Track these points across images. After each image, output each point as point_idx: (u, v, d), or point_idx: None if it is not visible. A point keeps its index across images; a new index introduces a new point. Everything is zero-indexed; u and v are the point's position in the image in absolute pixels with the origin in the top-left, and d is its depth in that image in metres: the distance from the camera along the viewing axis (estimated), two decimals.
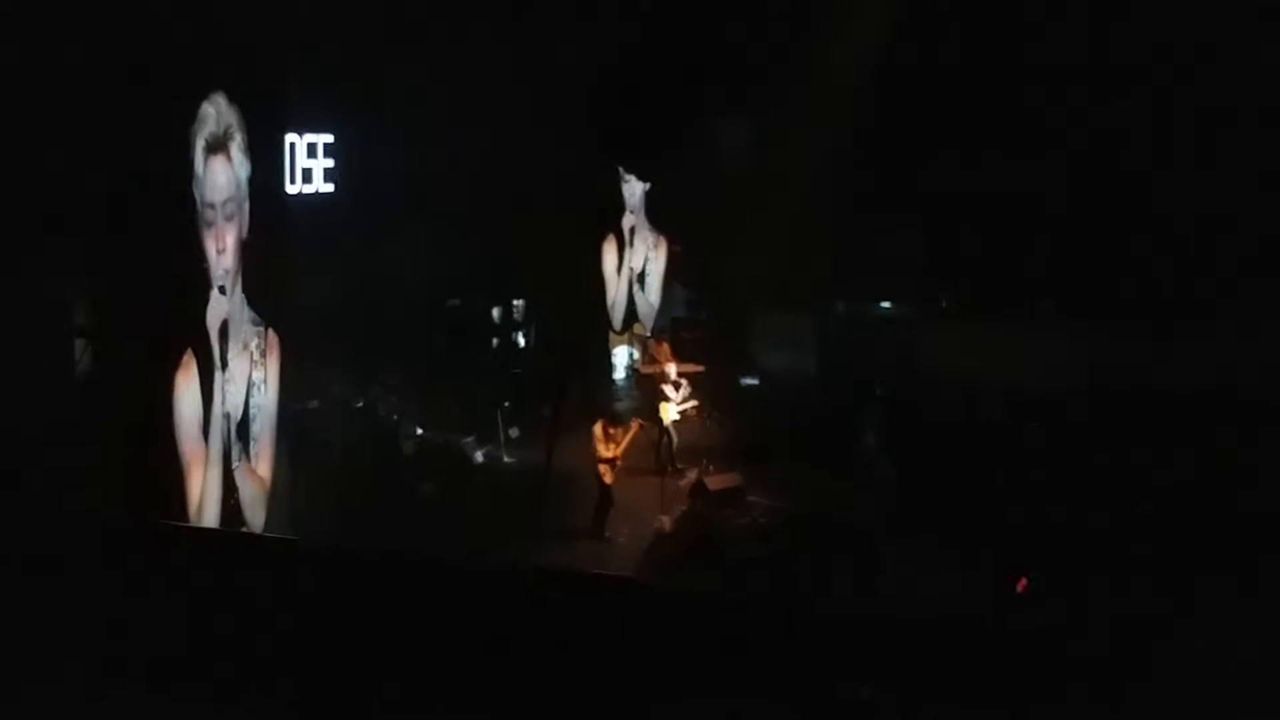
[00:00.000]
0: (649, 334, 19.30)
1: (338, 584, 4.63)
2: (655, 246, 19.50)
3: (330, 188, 14.52)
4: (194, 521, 9.28)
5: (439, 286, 17.22)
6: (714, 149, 18.87)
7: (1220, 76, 16.26)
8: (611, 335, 19.03)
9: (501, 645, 4.17)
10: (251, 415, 10.31)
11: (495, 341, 18.11)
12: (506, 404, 15.90)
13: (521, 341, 18.54)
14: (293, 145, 13.66)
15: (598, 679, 4.04)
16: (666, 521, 12.85)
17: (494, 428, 15.41)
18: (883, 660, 4.25)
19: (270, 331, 10.57)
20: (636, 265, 19.17)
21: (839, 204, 18.79)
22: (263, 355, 10.49)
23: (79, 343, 9.46)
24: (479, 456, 15.08)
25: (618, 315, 18.91)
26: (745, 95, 18.47)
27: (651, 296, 19.60)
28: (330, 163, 14.57)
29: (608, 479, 12.65)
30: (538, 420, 15.89)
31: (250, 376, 10.27)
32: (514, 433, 15.60)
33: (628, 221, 18.93)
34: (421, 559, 4.98)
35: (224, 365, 9.74)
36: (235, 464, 10.00)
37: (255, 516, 10.51)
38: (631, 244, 19.00)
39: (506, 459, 15.19)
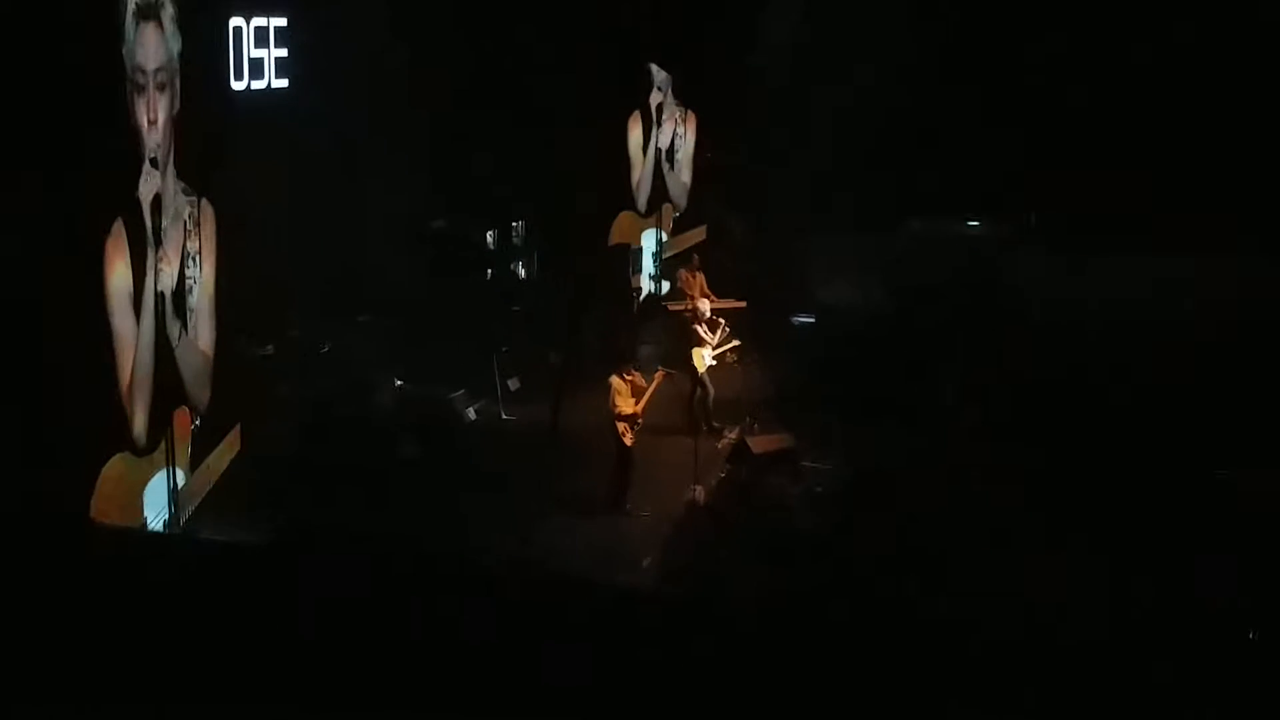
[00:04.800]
0: (679, 213, 20.14)
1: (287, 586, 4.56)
2: (684, 122, 20.30)
3: (284, 83, 14.42)
4: (127, 399, 10.08)
5: (422, 204, 17.13)
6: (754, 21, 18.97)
7: None
8: (636, 221, 19.38)
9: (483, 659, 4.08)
10: (188, 287, 11.23)
11: (490, 272, 17.99)
12: (505, 349, 15.81)
13: (522, 271, 18.43)
14: (238, 30, 13.54)
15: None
16: (700, 492, 12.76)
17: (490, 378, 15.35)
18: (972, 679, 4.11)
19: (204, 201, 11.48)
20: (664, 143, 19.84)
21: (911, 101, 18.60)
22: (196, 226, 11.38)
23: None
24: (471, 413, 15.02)
25: (643, 196, 19.50)
26: None
27: (683, 174, 20.47)
28: (284, 52, 14.43)
29: (628, 440, 12.55)
30: (543, 368, 15.84)
31: (184, 247, 11.16)
32: (514, 384, 15.53)
33: (655, 98, 19.52)
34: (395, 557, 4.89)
35: (157, 241, 10.47)
36: (176, 341, 10.93)
37: (199, 394, 11.51)
38: (658, 122, 19.64)
39: (505, 416, 15.15)
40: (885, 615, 5.69)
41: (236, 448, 12.47)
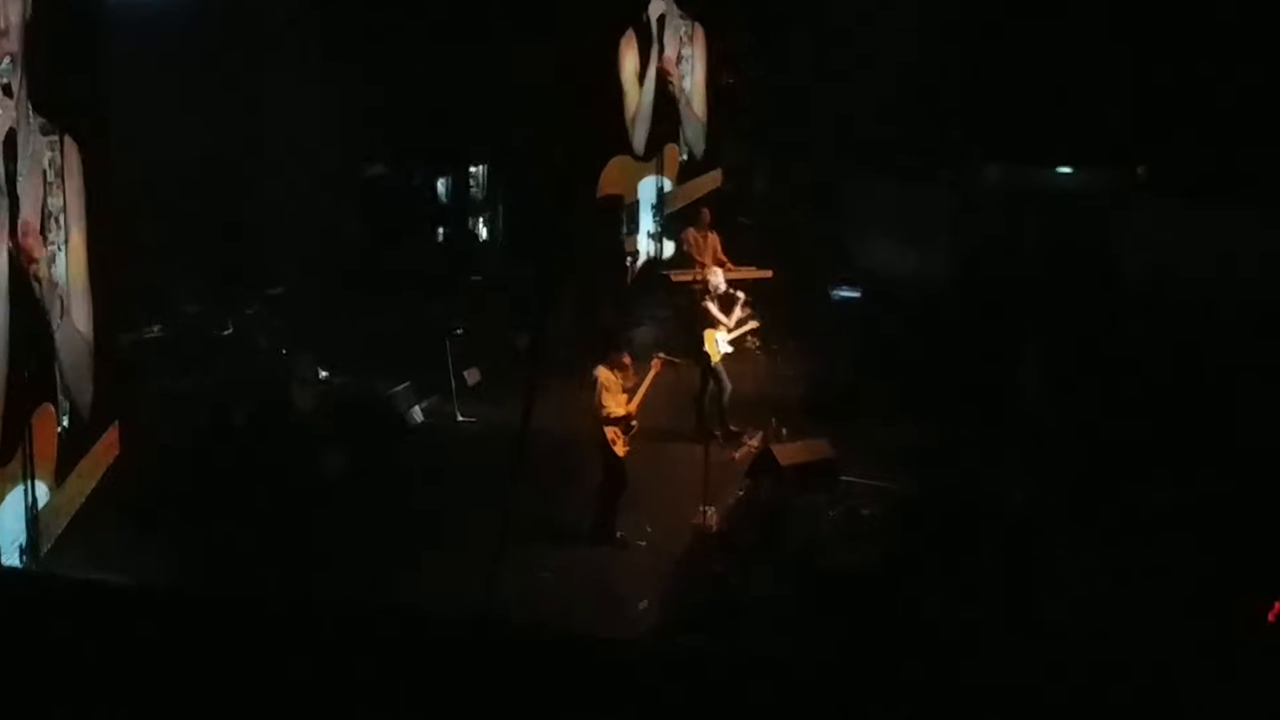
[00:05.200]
0: (686, 155, 20.08)
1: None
2: (692, 40, 20.35)
3: None
4: None
5: (354, 143, 17.12)
6: None
7: None
8: (632, 166, 19.38)
9: None
10: (51, 255, 11.17)
11: (442, 231, 17.98)
12: (459, 330, 15.87)
13: (484, 231, 18.43)
14: None
15: None
16: (713, 514, 12.78)
17: (441, 368, 15.40)
18: None
19: (69, 141, 11.37)
20: (669, 65, 19.89)
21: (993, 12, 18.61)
22: (59, 175, 11.28)
23: None
24: (417, 414, 15.08)
25: (640, 135, 19.50)
26: None
27: (696, 107, 20.53)
28: None
29: (619, 450, 12.54)
30: (509, 356, 15.88)
31: (45, 204, 11.03)
32: (472, 376, 15.60)
33: (654, 8, 19.58)
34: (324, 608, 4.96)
35: (11, 195, 10.39)
36: (56, 324, 11.08)
37: (81, 390, 11.64)
38: (660, 40, 19.66)
39: (461, 417, 15.23)
40: (952, 680, 5.66)
41: (115, 452, 12.50)
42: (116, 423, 12.56)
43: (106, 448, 12.41)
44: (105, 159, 12.10)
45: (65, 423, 11.58)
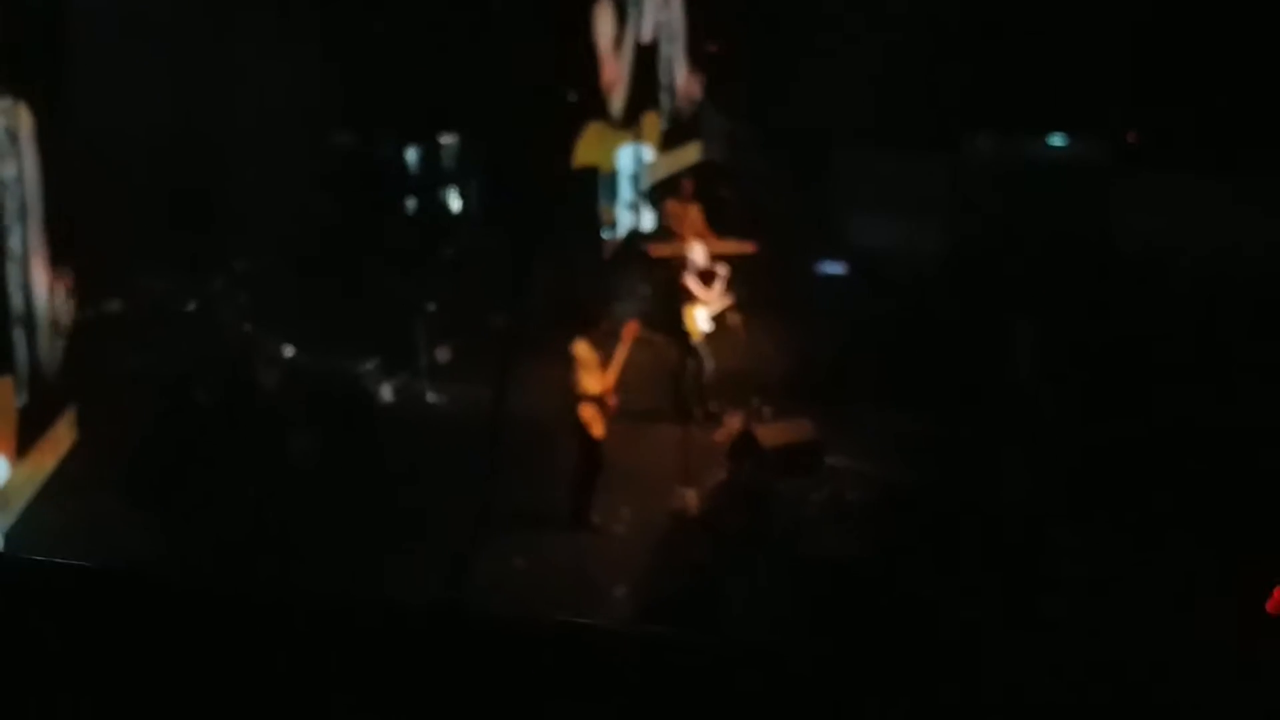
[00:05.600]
0: (667, 125, 20.27)
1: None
2: (668, 3, 20.51)
3: None
4: None
5: (320, 110, 17.01)
6: None
7: None
8: (608, 134, 19.33)
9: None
10: (7, 226, 11.31)
11: (413, 203, 17.92)
12: (431, 307, 15.81)
13: (455, 202, 18.37)
14: None
15: None
16: (692, 497, 12.81)
17: (412, 346, 15.40)
18: None
19: (22, 106, 11.51)
20: (647, 32, 19.93)
21: None
22: (14, 142, 11.34)
23: None
24: (387, 393, 15.09)
25: (618, 100, 19.48)
26: None
27: (677, 74, 20.59)
28: None
29: (596, 429, 12.52)
30: (482, 333, 15.83)
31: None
32: (443, 354, 15.57)
33: None
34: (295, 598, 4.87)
35: None
36: (12, 296, 11.24)
37: (40, 365, 11.85)
38: (639, 1, 19.70)
39: (431, 397, 15.21)
40: (941, 671, 5.61)
41: (75, 432, 12.49)
42: (76, 402, 12.53)
43: (68, 426, 12.36)
44: (63, 125, 12.02)
45: (25, 398, 11.58)
